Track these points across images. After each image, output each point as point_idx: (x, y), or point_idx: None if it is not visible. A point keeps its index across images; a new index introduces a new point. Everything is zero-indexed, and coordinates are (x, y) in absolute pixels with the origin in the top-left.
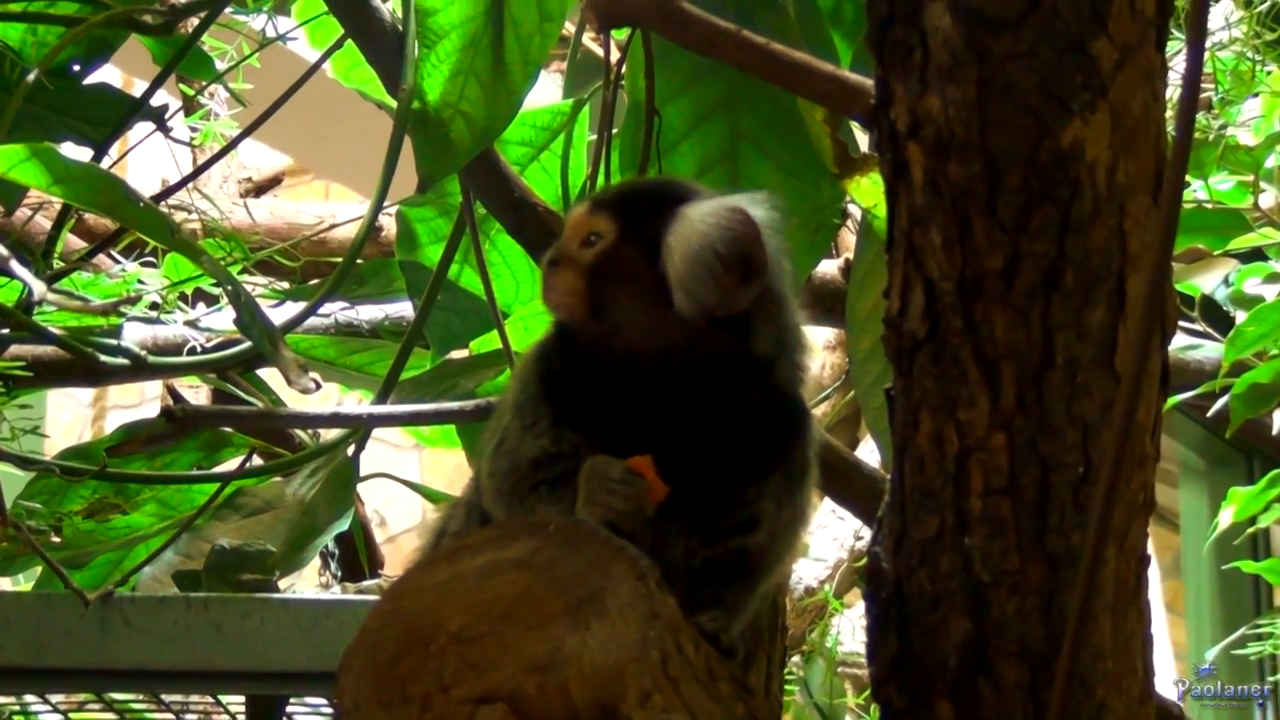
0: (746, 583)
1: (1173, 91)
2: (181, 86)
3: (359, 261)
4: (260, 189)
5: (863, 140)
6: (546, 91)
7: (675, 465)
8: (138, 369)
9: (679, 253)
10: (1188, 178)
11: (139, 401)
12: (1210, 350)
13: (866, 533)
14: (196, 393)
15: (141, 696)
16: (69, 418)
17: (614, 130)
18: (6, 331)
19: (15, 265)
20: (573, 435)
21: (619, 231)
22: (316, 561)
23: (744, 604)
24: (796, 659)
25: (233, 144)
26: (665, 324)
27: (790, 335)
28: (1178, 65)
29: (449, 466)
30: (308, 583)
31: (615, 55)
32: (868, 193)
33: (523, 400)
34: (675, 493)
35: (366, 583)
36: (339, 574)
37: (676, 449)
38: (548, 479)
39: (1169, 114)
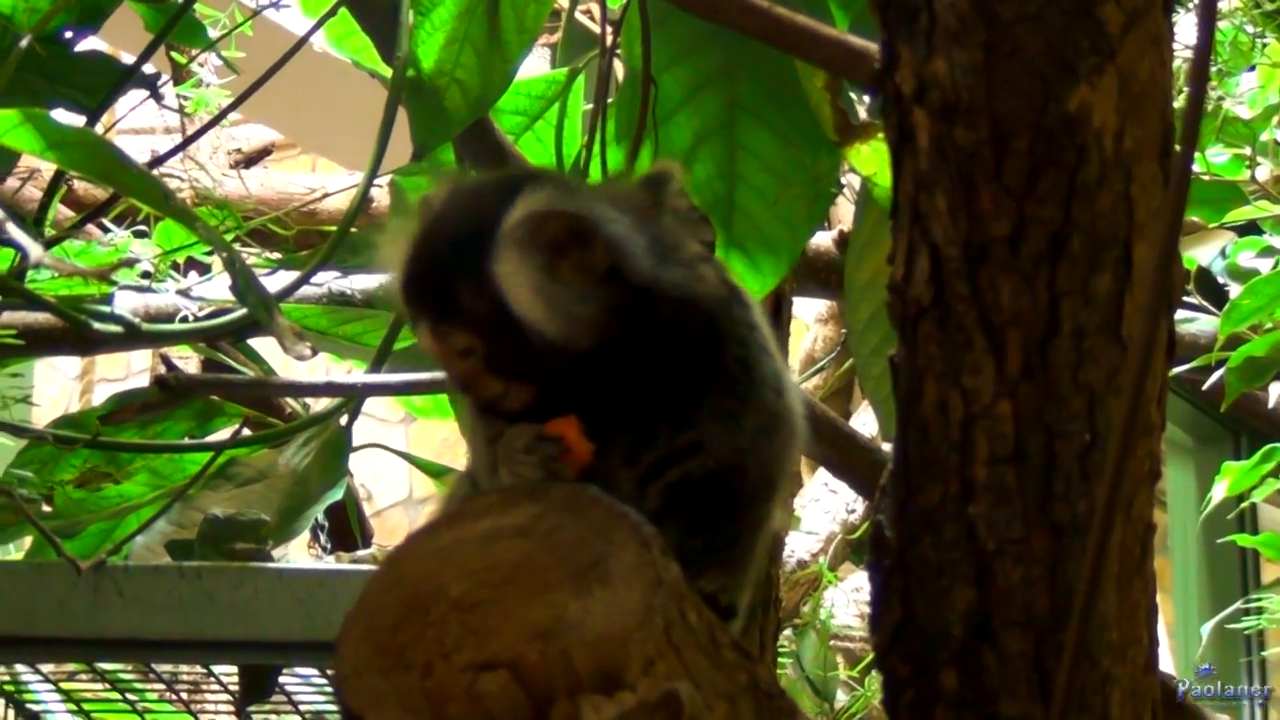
0: (732, 510)
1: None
2: (173, 55)
3: (352, 231)
4: (250, 160)
5: (861, 108)
6: (533, 67)
7: (607, 419)
8: (131, 336)
9: (531, 309)
10: None
11: (125, 374)
12: (1205, 323)
13: (859, 505)
14: (187, 362)
15: (132, 667)
16: (55, 391)
17: (609, 100)
18: None
19: (12, 228)
20: (498, 421)
21: (480, 336)
22: (306, 534)
23: (741, 538)
24: (789, 632)
25: (224, 113)
26: (582, 323)
27: (659, 243)
28: (1180, 35)
29: (436, 440)
30: (298, 555)
31: (609, 24)
32: (867, 160)
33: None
34: (621, 442)
35: (361, 552)
36: (328, 546)
37: (601, 406)
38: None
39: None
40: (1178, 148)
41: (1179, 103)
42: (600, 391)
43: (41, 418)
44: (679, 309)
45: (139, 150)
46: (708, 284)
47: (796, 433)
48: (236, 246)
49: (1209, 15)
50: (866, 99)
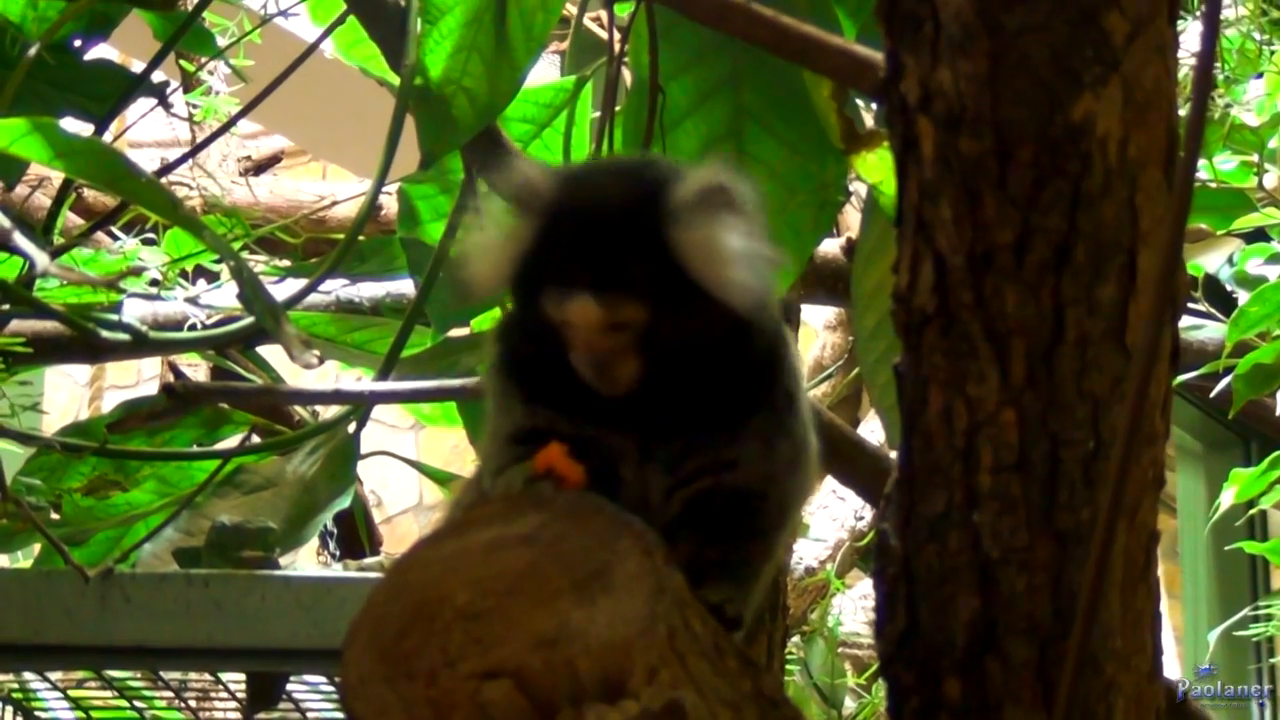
0: (749, 530)
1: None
2: (182, 63)
3: (360, 239)
4: (259, 168)
5: (868, 117)
6: (544, 74)
7: (653, 423)
8: (138, 344)
9: (716, 272)
10: None
11: (136, 382)
12: (1213, 330)
13: (867, 512)
14: (195, 370)
15: (140, 675)
16: (65, 398)
17: (617, 108)
18: (7, 307)
19: (19, 238)
20: (545, 410)
21: (649, 306)
22: (315, 542)
23: (752, 576)
24: (797, 639)
25: (233, 120)
26: (709, 328)
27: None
28: (1186, 42)
29: (446, 447)
30: (306, 562)
31: (617, 32)
32: (874, 169)
33: (494, 385)
34: (665, 450)
35: (368, 560)
36: (337, 553)
37: (653, 409)
38: (524, 455)
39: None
40: (1182, 154)
41: (1185, 110)
42: (659, 401)
43: (51, 425)
44: (755, 329)
45: (151, 161)
46: (773, 310)
47: (815, 470)
48: (244, 254)
49: (1213, 24)
50: (874, 106)
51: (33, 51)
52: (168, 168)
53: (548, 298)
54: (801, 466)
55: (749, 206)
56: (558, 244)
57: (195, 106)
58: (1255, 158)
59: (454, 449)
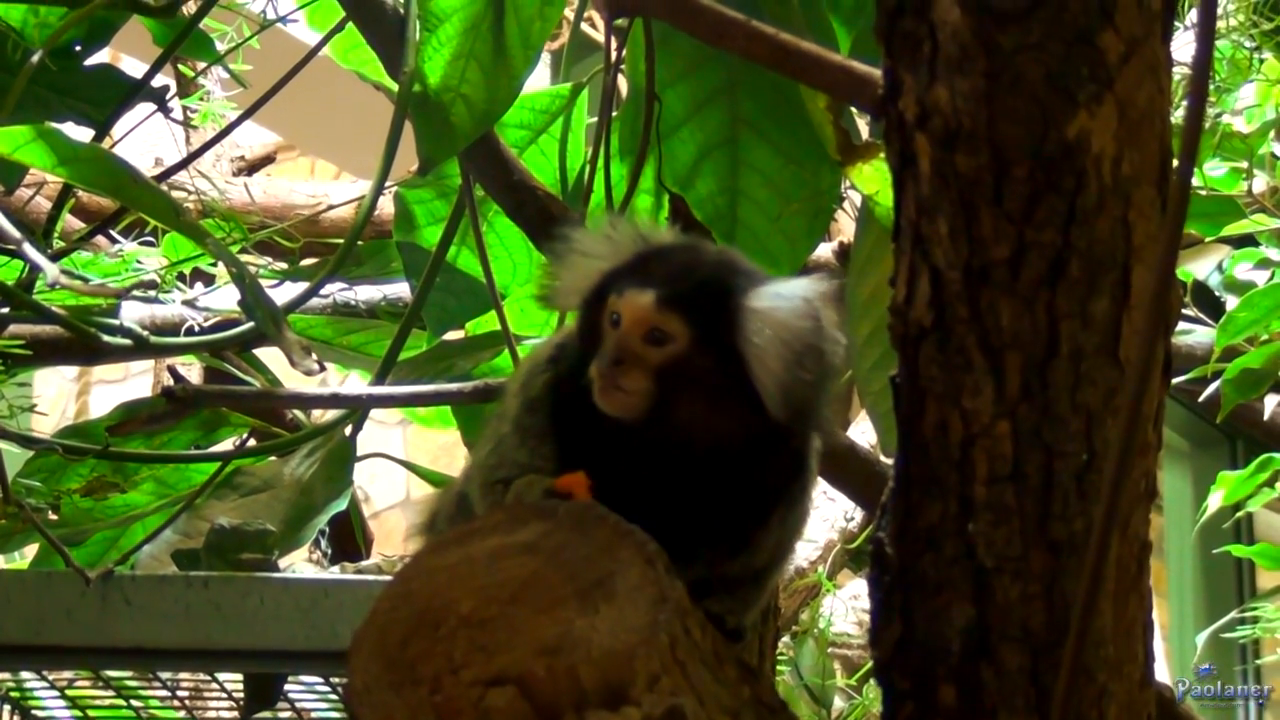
0: (755, 583)
1: (1177, 82)
2: (181, 67)
3: (357, 243)
4: (253, 167)
5: (863, 127)
6: (535, 73)
7: (670, 515)
8: (139, 348)
9: (773, 359)
10: None
11: (124, 377)
12: (1202, 335)
13: (858, 514)
14: (189, 370)
15: (134, 674)
16: (54, 393)
17: (613, 114)
18: (7, 310)
19: (28, 248)
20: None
21: (692, 335)
22: None
23: (753, 598)
24: (787, 640)
25: (233, 125)
26: (727, 421)
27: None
28: (1180, 54)
29: (434, 445)
30: (298, 561)
31: (615, 39)
32: (869, 180)
33: (523, 422)
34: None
35: (365, 563)
36: (329, 552)
37: (670, 503)
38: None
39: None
40: (1175, 163)
41: (1177, 119)
42: (678, 498)
43: (41, 420)
44: (785, 437)
45: (144, 159)
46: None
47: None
48: (241, 258)
49: (1207, 43)
50: (870, 117)
51: (36, 58)
52: (166, 172)
53: (613, 294)
54: (801, 527)
55: (832, 330)
56: (641, 263)
57: (193, 111)
58: (1245, 164)
59: (442, 446)
